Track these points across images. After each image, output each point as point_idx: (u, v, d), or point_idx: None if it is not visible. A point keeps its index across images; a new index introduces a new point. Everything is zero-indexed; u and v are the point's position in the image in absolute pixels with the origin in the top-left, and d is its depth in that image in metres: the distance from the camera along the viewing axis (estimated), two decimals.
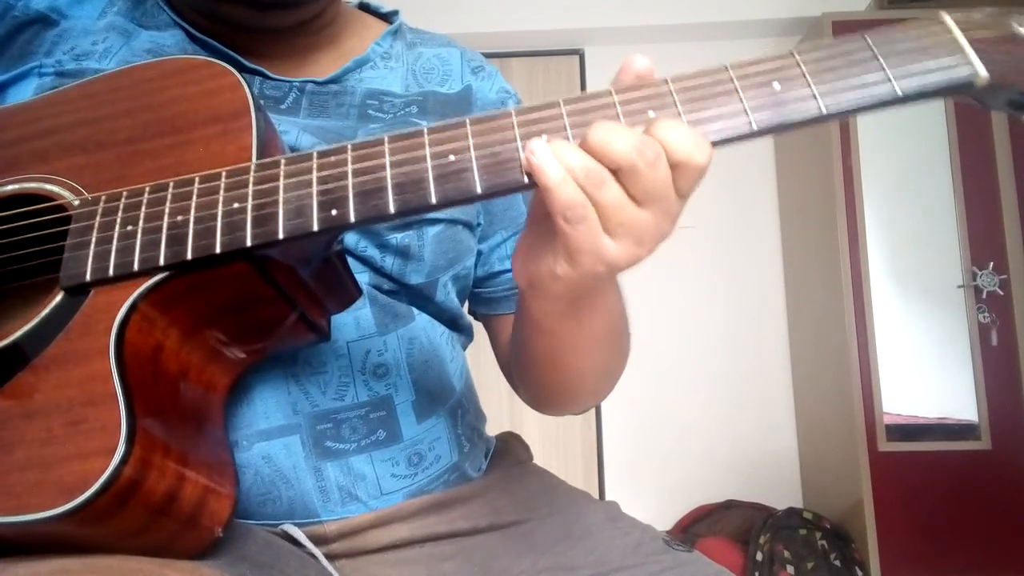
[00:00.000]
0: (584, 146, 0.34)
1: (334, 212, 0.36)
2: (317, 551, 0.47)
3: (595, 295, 0.43)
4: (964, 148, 2.09)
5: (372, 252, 0.52)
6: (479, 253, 0.61)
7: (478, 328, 0.67)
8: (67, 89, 0.45)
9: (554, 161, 0.33)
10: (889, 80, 0.34)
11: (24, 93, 0.49)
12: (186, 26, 0.53)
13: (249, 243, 0.36)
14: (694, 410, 2.41)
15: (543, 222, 0.37)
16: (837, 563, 1.93)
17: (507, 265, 0.62)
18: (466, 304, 0.65)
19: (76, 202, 0.40)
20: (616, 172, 0.33)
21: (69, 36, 0.52)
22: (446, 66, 0.61)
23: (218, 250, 0.36)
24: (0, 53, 0.52)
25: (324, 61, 0.56)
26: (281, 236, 0.36)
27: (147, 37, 0.53)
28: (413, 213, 0.36)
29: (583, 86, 2.55)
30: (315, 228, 0.35)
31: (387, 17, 0.63)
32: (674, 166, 0.34)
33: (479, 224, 0.60)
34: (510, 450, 0.64)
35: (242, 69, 0.42)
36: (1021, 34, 0.34)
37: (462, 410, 0.58)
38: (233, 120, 0.40)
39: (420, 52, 0.61)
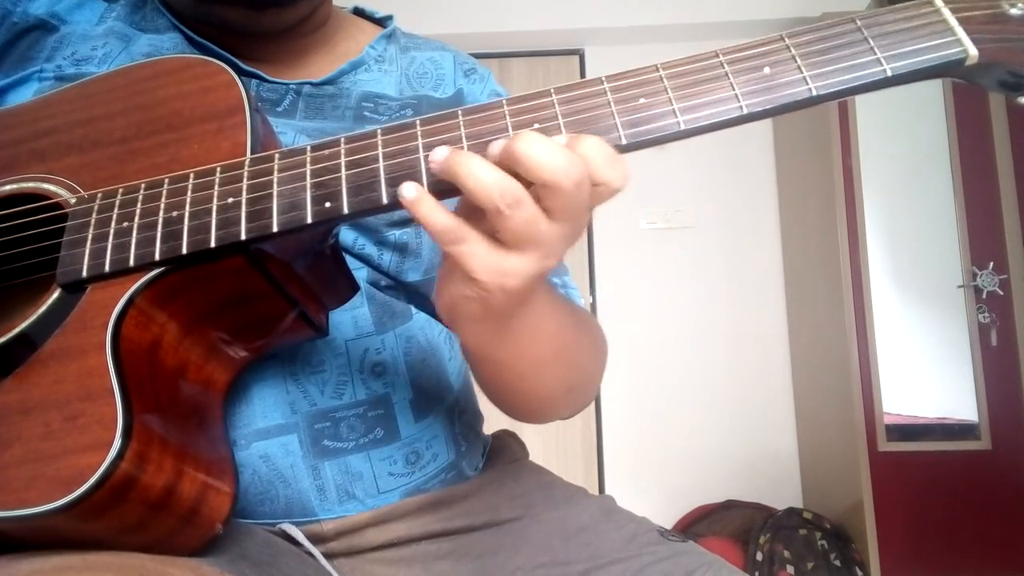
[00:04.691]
0: (508, 156, 0.32)
1: (328, 204, 0.36)
2: (315, 550, 0.47)
3: (523, 320, 0.40)
4: (964, 148, 2.09)
5: (370, 249, 0.52)
6: None
7: None
8: (64, 90, 0.45)
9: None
10: (879, 61, 0.34)
11: (24, 98, 0.49)
12: (185, 29, 0.54)
13: (244, 236, 0.36)
14: (694, 410, 2.40)
15: None
16: (837, 563, 1.93)
17: None
18: None
19: (72, 200, 0.40)
20: (536, 186, 0.32)
21: (69, 41, 0.52)
22: (439, 70, 0.61)
23: (213, 244, 0.36)
24: (1, 59, 0.53)
25: (319, 63, 0.57)
26: (275, 229, 0.36)
27: (146, 41, 0.53)
28: None
29: None
30: (309, 220, 0.36)
31: (381, 22, 0.63)
32: (593, 185, 0.33)
33: None
34: (506, 448, 0.64)
35: (239, 72, 0.43)
36: (1011, 13, 0.35)
37: (459, 409, 0.58)
38: (228, 117, 0.41)
39: (413, 56, 0.61)
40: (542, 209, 0.33)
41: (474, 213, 0.34)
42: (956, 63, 0.34)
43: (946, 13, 0.35)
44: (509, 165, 0.32)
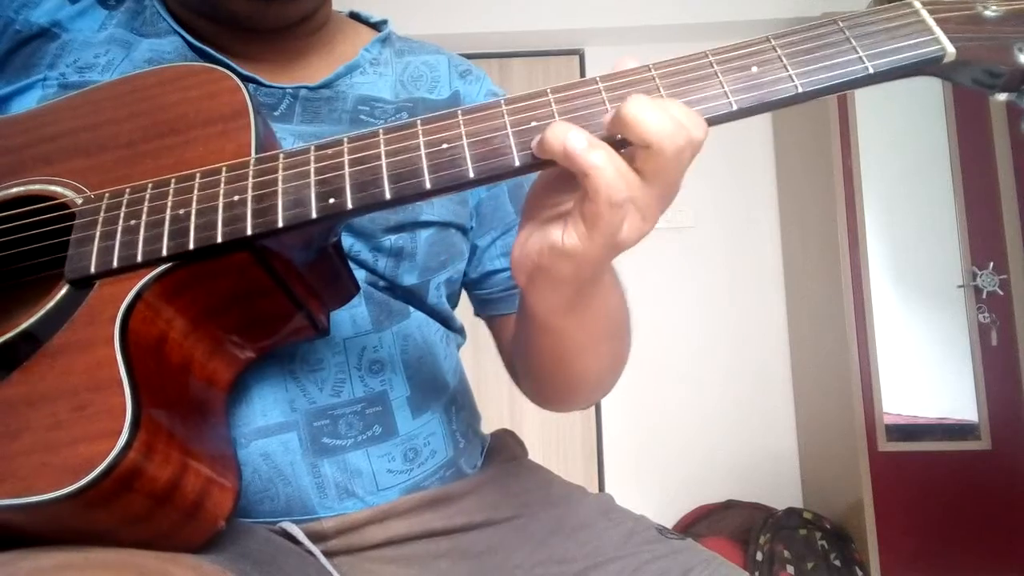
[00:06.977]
0: (616, 118, 0.34)
1: (332, 201, 0.37)
2: (315, 549, 0.47)
3: (596, 290, 0.42)
4: (964, 148, 2.08)
5: (366, 255, 0.53)
6: (472, 255, 0.62)
7: (479, 328, 0.67)
8: (70, 97, 0.46)
9: (588, 143, 0.33)
10: (861, 60, 0.36)
11: (27, 105, 0.50)
12: (184, 34, 0.54)
13: (250, 232, 0.37)
14: (694, 410, 2.40)
15: (544, 208, 0.38)
16: (837, 563, 1.93)
17: (499, 264, 0.62)
18: (458, 307, 0.65)
19: (79, 200, 0.41)
20: (638, 147, 0.34)
21: (71, 49, 0.53)
22: (434, 72, 0.61)
23: (219, 239, 0.37)
24: (3, 67, 0.53)
25: (316, 66, 0.57)
26: (281, 225, 0.37)
27: (147, 46, 0.54)
28: (409, 200, 0.37)
29: None
30: (314, 216, 0.36)
31: (377, 26, 0.64)
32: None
33: (472, 227, 0.61)
34: (505, 446, 0.65)
35: (237, 76, 0.44)
36: (986, 15, 0.37)
37: (456, 406, 0.59)
38: (232, 120, 0.41)
39: (408, 61, 0.61)
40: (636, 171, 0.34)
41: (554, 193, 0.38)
42: (934, 60, 0.36)
43: (924, 15, 0.37)
44: (615, 130, 0.34)
